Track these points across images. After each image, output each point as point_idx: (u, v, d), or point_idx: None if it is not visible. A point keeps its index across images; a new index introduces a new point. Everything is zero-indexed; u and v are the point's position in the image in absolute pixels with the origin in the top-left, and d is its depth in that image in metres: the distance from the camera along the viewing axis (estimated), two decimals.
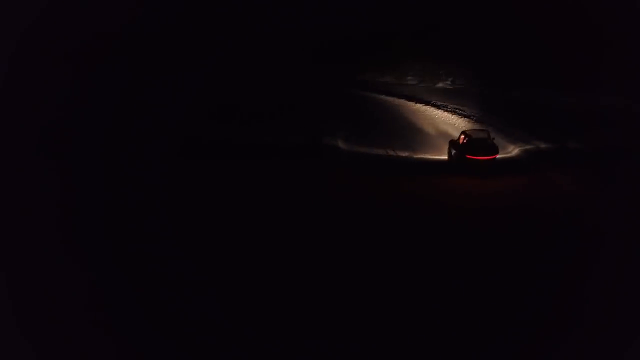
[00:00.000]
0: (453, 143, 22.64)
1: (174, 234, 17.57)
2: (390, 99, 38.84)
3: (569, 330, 12.36)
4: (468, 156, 20.68)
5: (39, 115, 24.90)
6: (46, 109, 25.74)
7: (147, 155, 25.98)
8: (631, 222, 15.84)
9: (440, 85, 38.81)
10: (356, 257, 14.71)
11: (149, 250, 16.39)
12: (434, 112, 33.88)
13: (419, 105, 35.50)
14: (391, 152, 24.72)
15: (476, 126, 24.27)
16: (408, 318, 13.01)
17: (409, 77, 42.66)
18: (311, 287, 14.14)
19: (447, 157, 23.44)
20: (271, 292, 14.00)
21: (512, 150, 24.17)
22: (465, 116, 30.97)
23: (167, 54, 42.71)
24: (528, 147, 24.51)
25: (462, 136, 21.68)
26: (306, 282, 14.23)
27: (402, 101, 37.88)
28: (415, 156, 24.37)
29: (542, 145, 24.38)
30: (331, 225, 16.42)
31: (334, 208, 17.66)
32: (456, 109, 32.35)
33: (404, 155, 24.58)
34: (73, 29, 29.59)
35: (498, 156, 21.57)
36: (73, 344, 12.15)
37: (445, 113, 32.90)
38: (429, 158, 24.20)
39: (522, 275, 13.77)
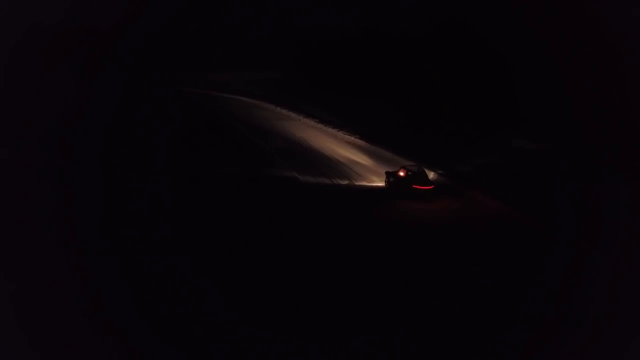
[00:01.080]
0: (393, 174, 28.45)
1: (174, 235, 18.57)
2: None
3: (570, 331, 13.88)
4: (415, 186, 26.88)
5: (40, 116, 24.91)
6: (47, 109, 25.90)
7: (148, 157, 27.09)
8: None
9: None
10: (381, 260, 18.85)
11: (148, 252, 17.02)
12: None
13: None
14: (343, 182, 29.40)
15: (407, 162, 29.75)
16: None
17: None
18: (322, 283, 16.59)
19: (384, 185, 29.30)
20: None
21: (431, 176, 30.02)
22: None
23: None
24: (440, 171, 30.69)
25: (404, 170, 27.73)
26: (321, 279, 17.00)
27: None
28: (357, 183, 29.76)
29: (454, 170, 30.55)
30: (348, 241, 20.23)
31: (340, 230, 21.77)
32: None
33: (345, 183, 29.63)
34: (71, 29, 30.51)
35: None
36: (73, 345, 12.44)
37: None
38: (369, 185, 29.35)
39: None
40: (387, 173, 28.81)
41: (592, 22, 28.09)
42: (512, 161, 29.97)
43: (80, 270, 15.63)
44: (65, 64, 32.11)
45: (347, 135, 38.90)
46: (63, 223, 17.89)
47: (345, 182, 29.06)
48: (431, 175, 28.94)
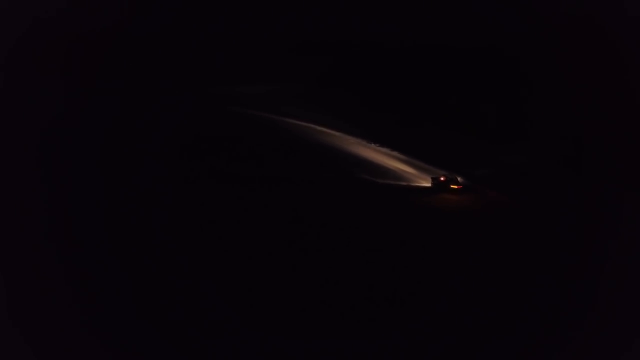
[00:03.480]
0: (436, 179, 44.34)
1: (178, 236, 20.45)
2: None
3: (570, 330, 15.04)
4: (451, 186, 42.91)
5: (40, 118, 24.20)
6: (47, 111, 25.02)
7: (149, 158, 29.43)
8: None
9: None
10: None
11: (148, 252, 18.42)
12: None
13: None
14: (403, 183, 45.12)
15: (442, 171, 45.63)
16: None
17: None
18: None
19: (429, 185, 45.16)
20: None
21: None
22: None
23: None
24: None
25: (444, 176, 43.62)
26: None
27: None
28: (411, 184, 45.37)
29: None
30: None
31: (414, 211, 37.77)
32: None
33: (404, 184, 45.35)
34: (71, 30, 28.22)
35: None
36: (72, 344, 12.95)
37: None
38: (419, 185, 45.45)
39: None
40: (432, 178, 45.07)
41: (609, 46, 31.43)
42: (517, 168, 45.15)
43: (82, 272, 16.27)
44: (73, 75, 30.61)
45: (386, 149, 50.60)
46: (63, 223, 18.60)
47: (404, 183, 44.71)
48: (459, 179, 45.29)
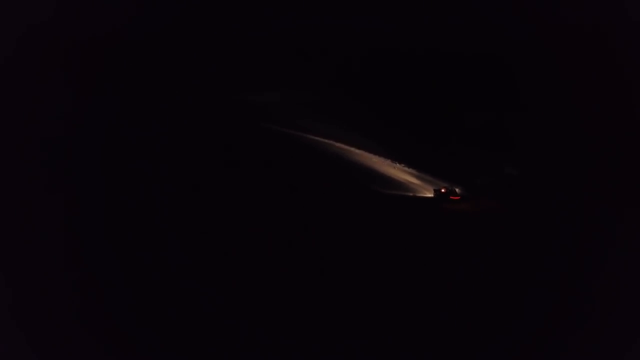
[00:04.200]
0: (438, 190, 49.49)
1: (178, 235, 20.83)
2: None
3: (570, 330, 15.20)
4: (451, 197, 48.14)
5: (41, 121, 22.06)
6: (48, 114, 22.45)
7: (153, 163, 26.93)
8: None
9: None
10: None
11: (150, 253, 18.51)
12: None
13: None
14: (410, 194, 50.36)
15: (444, 183, 49.32)
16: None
17: None
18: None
19: (432, 195, 50.42)
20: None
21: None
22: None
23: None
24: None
25: (445, 188, 48.80)
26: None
27: None
28: (416, 195, 50.53)
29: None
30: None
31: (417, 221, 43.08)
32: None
33: (410, 194, 50.61)
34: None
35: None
36: (73, 346, 13.59)
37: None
38: (424, 196, 50.52)
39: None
40: (434, 190, 49.97)
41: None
42: (516, 177, 48.60)
43: (82, 272, 17.03)
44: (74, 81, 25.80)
45: (396, 163, 56.61)
46: (63, 222, 18.86)
47: (410, 194, 49.79)
48: (458, 190, 50.46)
